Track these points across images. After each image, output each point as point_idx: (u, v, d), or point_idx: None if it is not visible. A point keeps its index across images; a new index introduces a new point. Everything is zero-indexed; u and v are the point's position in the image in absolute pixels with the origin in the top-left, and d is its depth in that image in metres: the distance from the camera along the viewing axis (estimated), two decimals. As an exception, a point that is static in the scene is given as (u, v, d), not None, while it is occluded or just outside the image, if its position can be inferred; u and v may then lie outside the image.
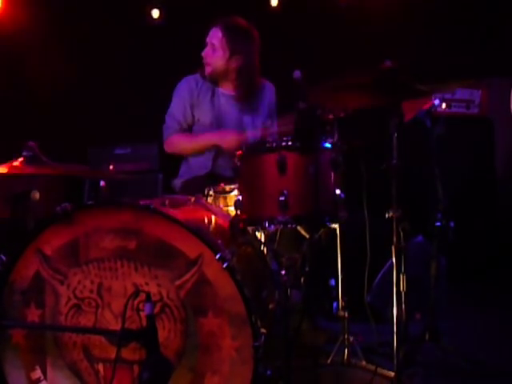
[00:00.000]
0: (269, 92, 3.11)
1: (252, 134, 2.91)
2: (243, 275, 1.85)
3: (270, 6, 4.63)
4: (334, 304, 2.52)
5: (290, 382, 1.96)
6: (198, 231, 1.84)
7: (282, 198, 1.99)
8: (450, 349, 2.51)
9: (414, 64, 2.17)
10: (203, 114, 2.98)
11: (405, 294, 2.15)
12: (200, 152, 2.96)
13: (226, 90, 3.01)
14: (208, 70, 2.96)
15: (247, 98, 3.02)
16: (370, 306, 2.44)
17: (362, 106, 2.42)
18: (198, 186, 2.70)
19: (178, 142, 3.01)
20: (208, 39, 2.98)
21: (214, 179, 2.82)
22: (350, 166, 2.21)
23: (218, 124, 2.96)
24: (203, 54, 3.00)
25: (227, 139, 2.85)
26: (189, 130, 3.03)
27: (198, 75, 3.03)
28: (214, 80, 2.99)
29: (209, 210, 2.24)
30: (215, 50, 2.93)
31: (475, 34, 4.25)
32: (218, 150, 2.95)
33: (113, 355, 1.76)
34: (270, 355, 1.90)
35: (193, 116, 3.00)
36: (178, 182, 3.11)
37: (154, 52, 4.59)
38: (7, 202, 2.54)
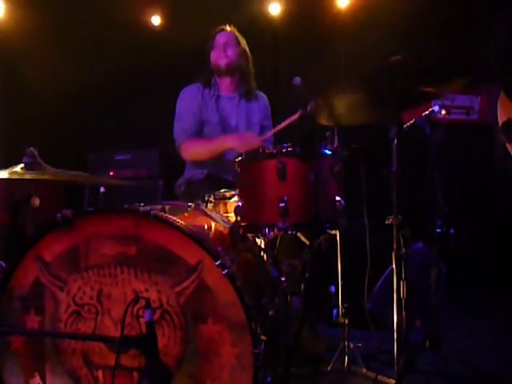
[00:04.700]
0: (262, 98, 3.31)
1: (266, 137, 3.03)
2: (243, 282, 1.84)
3: (271, 13, 4.65)
4: (334, 311, 2.52)
5: (289, 389, 1.95)
6: (197, 238, 1.83)
7: (282, 205, 1.99)
8: (451, 356, 2.50)
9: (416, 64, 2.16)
10: (210, 115, 3.12)
11: (405, 300, 2.15)
12: (216, 156, 3.02)
13: (228, 92, 3.19)
14: (224, 61, 3.12)
15: (247, 97, 3.20)
16: (370, 312, 2.44)
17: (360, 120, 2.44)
18: (201, 187, 2.73)
19: (194, 147, 3.10)
20: (216, 42, 3.16)
21: (216, 181, 2.86)
22: (350, 173, 2.21)
23: (222, 123, 3.11)
24: (213, 54, 3.15)
25: (245, 143, 2.89)
26: (198, 132, 3.09)
27: (198, 84, 3.18)
28: (227, 73, 3.14)
29: (209, 216, 2.24)
30: (230, 46, 3.14)
31: (475, 40, 4.26)
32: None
33: (112, 362, 1.76)
34: (270, 362, 1.90)
35: (201, 117, 3.12)
36: (181, 183, 3.14)
37: (155, 58, 4.60)
38: (7, 208, 2.54)
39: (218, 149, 2.99)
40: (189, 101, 3.13)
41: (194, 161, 3.14)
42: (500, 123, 2.43)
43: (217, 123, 3.10)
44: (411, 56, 2.11)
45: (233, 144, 2.92)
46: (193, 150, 3.09)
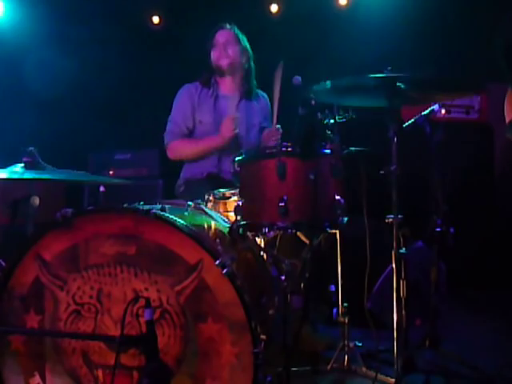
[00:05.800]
0: (262, 98, 3.29)
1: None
2: (243, 281, 1.84)
3: (270, 11, 4.66)
4: (334, 310, 2.51)
5: (289, 388, 1.95)
6: (197, 237, 1.84)
7: (281, 204, 1.99)
8: (450, 355, 2.50)
9: (413, 71, 2.17)
10: (205, 115, 3.11)
11: (405, 299, 2.15)
12: (203, 157, 3.03)
13: (228, 92, 3.16)
14: (226, 61, 3.10)
15: (247, 96, 3.19)
16: (369, 311, 2.43)
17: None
18: (201, 186, 2.74)
19: (180, 148, 3.12)
20: (216, 41, 3.15)
21: (216, 180, 2.87)
22: (350, 172, 2.21)
23: (218, 123, 3.07)
24: (213, 53, 3.14)
25: (226, 136, 2.92)
26: (189, 134, 3.10)
27: (197, 83, 3.14)
28: (229, 73, 3.12)
29: (208, 215, 2.24)
30: (230, 45, 3.11)
31: (475, 39, 4.26)
32: (220, 155, 3.04)
33: (112, 361, 1.76)
34: (270, 361, 1.90)
35: (193, 119, 3.12)
36: (180, 183, 3.15)
37: (155, 57, 4.61)
38: (7, 208, 2.54)
39: (204, 150, 3.05)
40: (183, 101, 3.14)
41: (179, 160, 3.18)
42: (507, 121, 2.42)
43: (211, 123, 3.08)
44: (413, 73, 2.12)
45: (218, 144, 2.96)
46: (179, 151, 3.14)
